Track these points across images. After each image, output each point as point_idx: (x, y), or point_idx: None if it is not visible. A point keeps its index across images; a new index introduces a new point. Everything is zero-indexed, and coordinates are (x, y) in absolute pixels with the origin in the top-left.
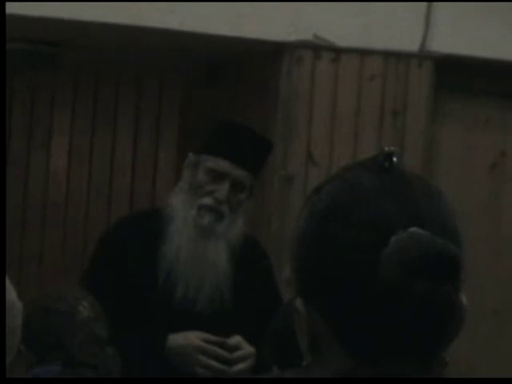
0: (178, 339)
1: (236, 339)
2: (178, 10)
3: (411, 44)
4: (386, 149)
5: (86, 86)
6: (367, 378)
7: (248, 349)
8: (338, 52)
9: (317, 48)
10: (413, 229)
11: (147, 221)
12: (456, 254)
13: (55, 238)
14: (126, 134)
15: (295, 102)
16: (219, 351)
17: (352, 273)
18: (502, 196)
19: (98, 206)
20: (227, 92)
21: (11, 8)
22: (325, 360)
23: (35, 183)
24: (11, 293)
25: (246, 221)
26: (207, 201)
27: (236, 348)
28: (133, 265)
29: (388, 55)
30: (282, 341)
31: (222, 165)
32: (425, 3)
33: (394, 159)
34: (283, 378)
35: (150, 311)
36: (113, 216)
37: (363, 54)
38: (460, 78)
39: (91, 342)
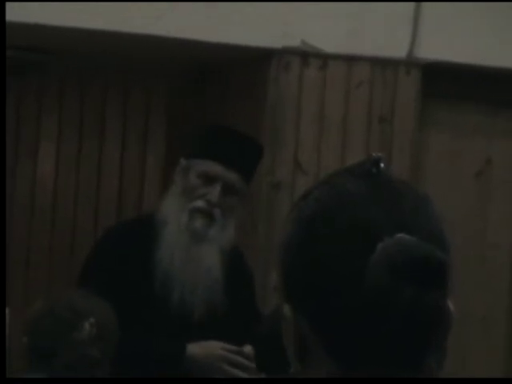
0: (196, 348)
1: (248, 348)
2: (166, 17)
3: (399, 51)
4: (374, 155)
5: (72, 92)
6: (362, 378)
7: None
8: (325, 58)
9: (304, 54)
10: (400, 235)
11: (140, 227)
12: (443, 260)
13: (43, 243)
14: (114, 140)
15: (283, 109)
16: (242, 360)
17: (339, 279)
18: (488, 203)
19: (85, 211)
20: (215, 98)
21: None
22: (312, 367)
23: (22, 189)
24: None
25: (236, 227)
26: (199, 204)
27: (249, 356)
28: (129, 271)
29: (375, 62)
30: (269, 347)
31: (213, 167)
32: (412, 10)
33: (382, 165)
34: (281, 379)
35: (147, 317)
36: (100, 222)
37: (351, 60)
38: (447, 84)
39: (80, 364)
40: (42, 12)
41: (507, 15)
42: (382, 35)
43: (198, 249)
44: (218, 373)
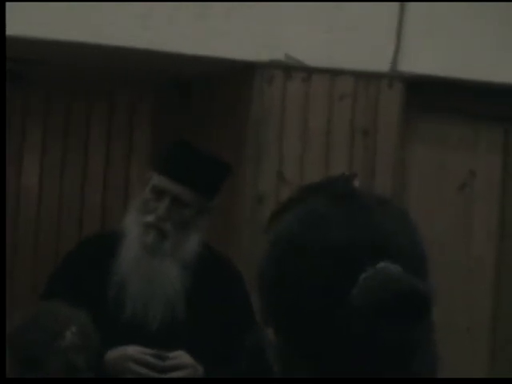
0: (113, 352)
1: (176, 353)
2: (149, 29)
3: (382, 64)
4: (346, 173)
5: (57, 103)
6: (361, 378)
7: (185, 359)
8: (308, 72)
9: (288, 68)
10: (381, 264)
11: (106, 240)
12: (427, 294)
13: (26, 254)
14: (98, 151)
15: (266, 122)
16: (149, 359)
17: (320, 302)
18: (472, 215)
19: (69, 223)
20: (198, 111)
21: None
22: None
23: (7, 199)
24: None
25: (200, 240)
26: (149, 218)
27: (167, 358)
28: (88, 286)
29: (358, 75)
30: (258, 356)
31: (162, 181)
32: (395, 24)
33: (355, 183)
34: (280, 379)
35: (101, 329)
36: (84, 233)
37: (334, 73)
38: (430, 98)
39: (64, 372)
40: (26, 23)
41: (489, 29)
42: (365, 49)
43: (152, 263)
44: (126, 372)
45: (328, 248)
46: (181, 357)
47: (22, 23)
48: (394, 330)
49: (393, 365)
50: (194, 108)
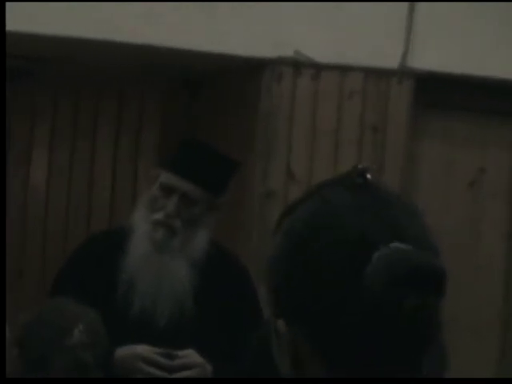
0: (123, 350)
1: (186, 351)
2: (159, 26)
3: (391, 61)
4: (360, 166)
5: (65, 101)
6: (362, 378)
7: (195, 358)
8: (318, 69)
9: (297, 64)
10: (395, 244)
11: (113, 236)
12: (442, 267)
13: (34, 252)
14: (106, 149)
15: (275, 118)
16: (159, 359)
17: (336, 293)
18: (481, 212)
19: (77, 220)
20: (208, 108)
21: None
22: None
23: (14, 198)
24: None
25: (208, 236)
26: (158, 216)
27: (176, 357)
28: (96, 282)
29: (368, 72)
30: (265, 354)
31: (171, 179)
32: (405, 20)
33: (368, 176)
34: (280, 379)
35: (109, 326)
36: (92, 231)
37: (343, 70)
38: (440, 94)
39: (73, 369)
40: (34, 20)
41: (500, 25)
42: (374, 45)
43: (161, 260)
44: (135, 371)
45: (342, 237)
46: (190, 356)
47: (26, 20)
48: (412, 303)
49: (410, 346)
50: (202, 105)
